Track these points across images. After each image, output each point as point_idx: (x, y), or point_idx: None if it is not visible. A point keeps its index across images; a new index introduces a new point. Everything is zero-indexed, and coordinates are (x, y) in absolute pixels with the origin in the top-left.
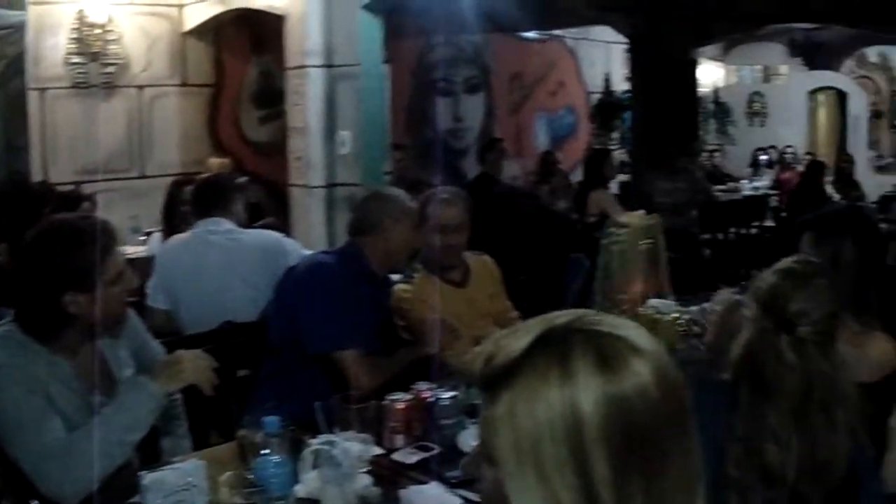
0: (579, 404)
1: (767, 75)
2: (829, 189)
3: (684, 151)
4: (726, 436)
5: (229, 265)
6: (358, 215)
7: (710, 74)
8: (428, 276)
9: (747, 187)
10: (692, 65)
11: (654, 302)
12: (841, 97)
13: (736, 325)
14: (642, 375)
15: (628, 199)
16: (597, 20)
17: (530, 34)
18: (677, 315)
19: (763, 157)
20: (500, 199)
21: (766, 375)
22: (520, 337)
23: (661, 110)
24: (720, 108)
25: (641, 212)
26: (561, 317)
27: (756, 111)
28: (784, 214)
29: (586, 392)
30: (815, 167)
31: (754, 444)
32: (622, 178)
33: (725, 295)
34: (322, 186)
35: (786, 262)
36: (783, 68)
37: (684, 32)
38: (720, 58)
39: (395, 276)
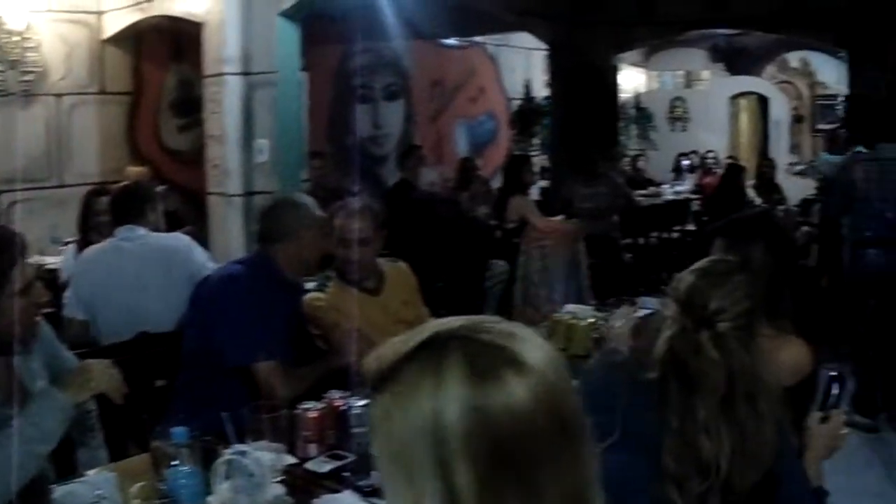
0: (444, 413)
1: (689, 81)
2: (751, 193)
3: (604, 157)
4: (662, 430)
5: (142, 271)
6: (267, 223)
7: (631, 80)
8: (341, 284)
9: (669, 192)
10: (612, 70)
11: (570, 307)
12: (763, 102)
13: (654, 327)
14: (515, 390)
15: (549, 204)
16: (517, 27)
17: (450, 41)
18: (593, 320)
19: (685, 162)
20: (419, 206)
21: (691, 371)
22: (407, 341)
23: (582, 116)
24: (642, 113)
25: (561, 217)
26: (452, 323)
27: (678, 116)
28: (705, 218)
29: (452, 402)
30: (734, 171)
31: (688, 437)
32: (543, 183)
33: (625, 310)
34: (240, 195)
35: (702, 262)
36: (705, 74)
37: (604, 38)
38: (642, 63)
39: (308, 284)
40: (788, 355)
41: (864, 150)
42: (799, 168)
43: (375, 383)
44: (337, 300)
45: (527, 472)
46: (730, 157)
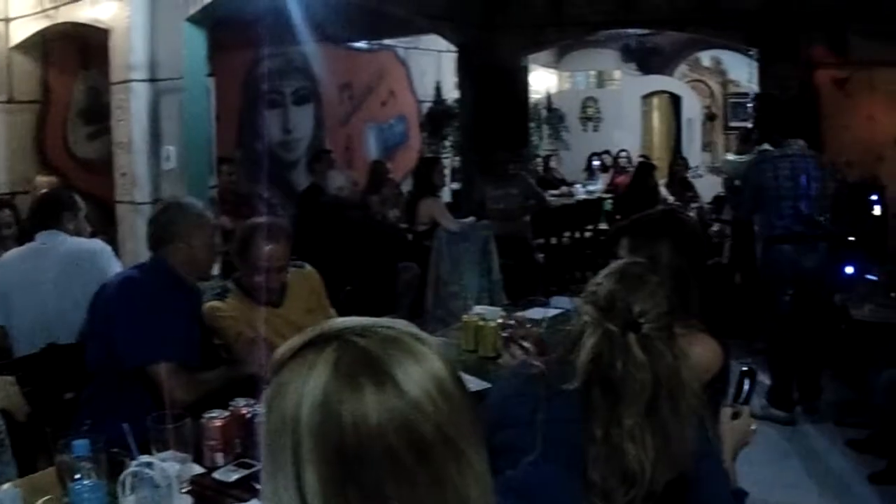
0: (301, 407)
1: (602, 81)
2: (664, 191)
3: (515, 158)
4: (585, 442)
5: (60, 276)
6: (156, 227)
7: (543, 81)
8: (241, 296)
9: (581, 192)
10: (522, 71)
11: (479, 308)
12: (675, 101)
13: (567, 335)
14: (367, 402)
15: (461, 206)
16: (426, 29)
17: (360, 44)
18: (501, 321)
19: (595, 163)
20: (327, 210)
21: (616, 377)
22: (301, 336)
23: (492, 117)
24: (553, 113)
25: (472, 219)
26: (343, 323)
27: (590, 116)
28: (618, 217)
29: (309, 398)
30: (645, 169)
31: (613, 446)
32: (456, 186)
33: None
34: (148, 203)
35: (616, 265)
36: (617, 73)
37: (513, 40)
38: (553, 64)
39: (208, 292)
40: (699, 353)
41: (771, 148)
42: (716, 165)
43: (268, 376)
44: (237, 311)
45: (373, 486)
46: (642, 156)
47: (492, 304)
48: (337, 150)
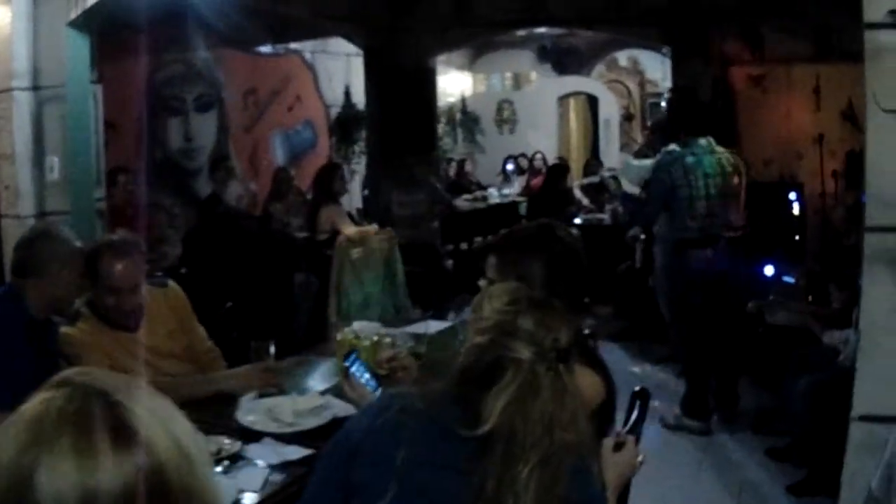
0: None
1: (518, 82)
2: (578, 193)
3: (423, 162)
4: (468, 494)
5: None
6: (22, 255)
7: (458, 83)
8: (94, 320)
9: (495, 195)
10: (430, 73)
11: (356, 325)
12: (592, 102)
13: (475, 368)
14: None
15: (370, 213)
16: (330, 32)
17: (265, 49)
18: (377, 338)
19: (509, 166)
20: (221, 221)
21: (531, 421)
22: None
23: (399, 121)
24: (468, 116)
25: (374, 226)
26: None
27: (506, 118)
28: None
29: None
30: (557, 171)
31: (501, 501)
32: (368, 192)
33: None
34: (32, 216)
35: (508, 291)
36: (533, 75)
37: (420, 41)
38: (467, 66)
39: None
40: (582, 386)
41: (678, 149)
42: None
43: None
44: (90, 337)
45: None
46: (559, 158)
47: (397, 313)
48: (242, 157)
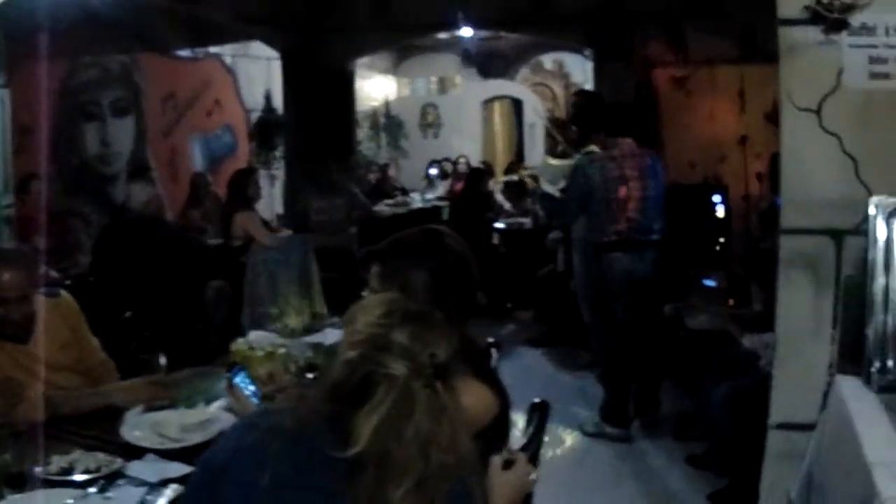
0: None
1: (444, 86)
2: (500, 197)
3: (341, 167)
4: None
5: None
6: None
7: (381, 87)
8: None
9: (417, 200)
10: (348, 76)
11: (251, 335)
12: (517, 105)
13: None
14: None
15: (289, 219)
16: (247, 35)
17: (184, 52)
18: (272, 350)
19: (432, 171)
20: (128, 228)
21: (404, 442)
22: None
23: (317, 125)
24: (392, 121)
25: (288, 232)
26: None
27: (430, 123)
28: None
29: None
30: (476, 175)
31: None
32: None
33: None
34: None
35: (388, 303)
36: (457, 79)
37: (339, 44)
38: (391, 70)
39: None
40: (470, 404)
41: (597, 150)
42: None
43: None
44: None
45: None
46: (483, 162)
47: (313, 320)
48: (160, 162)
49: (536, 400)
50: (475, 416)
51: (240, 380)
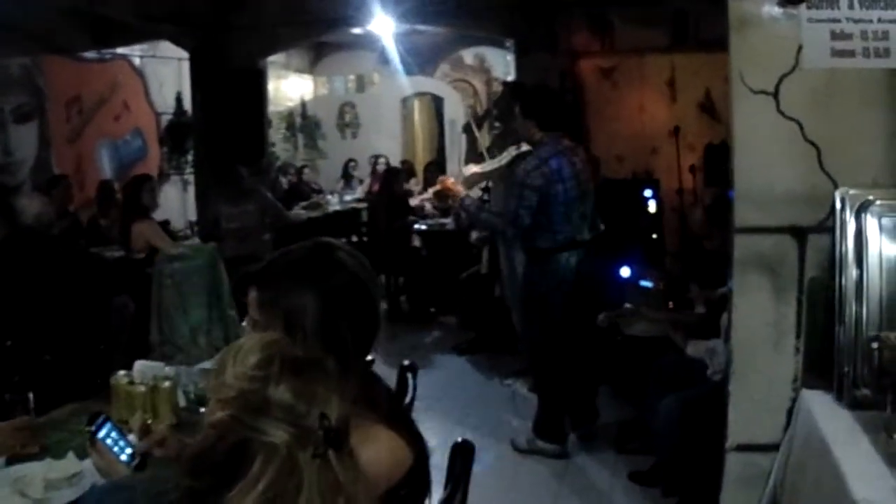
0: None
1: (362, 84)
2: (418, 198)
3: (252, 171)
4: None
5: None
6: None
7: (298, 87)
8: None
9: (334, 202)
10: (258, 75)
11: (138, 365)
12: (437, 102)
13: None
14: None
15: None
16: (151, 34)
17: (90, 54)
18: (155, 384)
19: (355, 171)
20: (17, 242)
21: None
22: None
23: (226, 127)
24: (309, 121)
25: (195, 240)
26: None
27: (348, 122)
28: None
29: None
30: (391, 175)
31: None
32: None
33: None
34: None
35: (264, 346)
36: (376, 76)
37: (247, 42)
38: (307, 69)
39: None
40: (374, 457)
41: (527, 147)
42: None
43: None
44: None
45: None
46: (403, 162)
47: (225, 336)
48: (66, 170)
49: (458, 440)
50: (385, 473)
51: (104, 435)
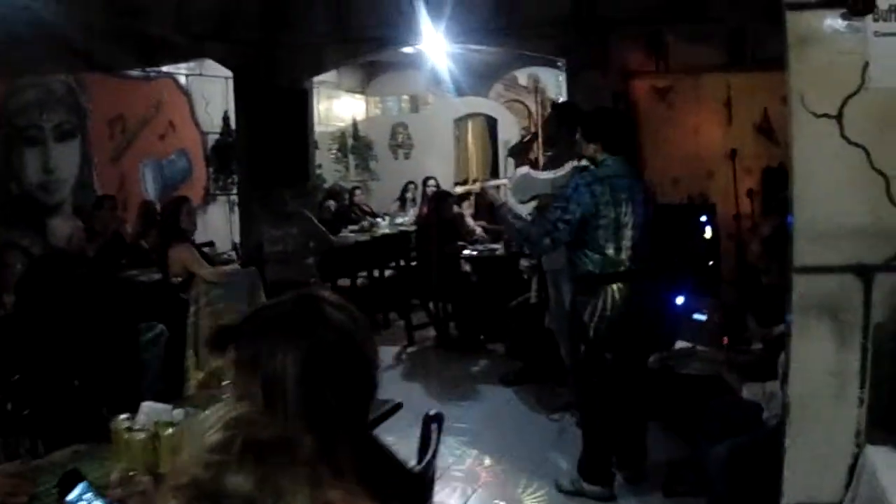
0: None
1: (416, 105)
2: (471, 222)
3: (296, 194)
4: None
5: None
6: None
7: (349, 107)
8: None
9: (384, 225)
10: (303, 95)
11: (143, 407)
12: (491, 123)
13: None
14: None
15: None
16: (195, 53)
17: (134, 72)
18: (156, 431)
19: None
20: (48, 265)
21: None
22: None
23: (271, 148)
24: (360, 142)
25: (234, 266)
26: None
27: (400, 143)
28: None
29: None
30: (439, 198)
31: None
32: None
33: None
34: None
35: (223, 426)
36: (430, 97)
37: (293, 61)
38: (359, 89)
39: None
40: None
41: (590, 166)
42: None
43: None
44: None
45: None
46: (458, 183)
47: None
48: (109, 189)
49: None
50: None
51: (75, 498)
